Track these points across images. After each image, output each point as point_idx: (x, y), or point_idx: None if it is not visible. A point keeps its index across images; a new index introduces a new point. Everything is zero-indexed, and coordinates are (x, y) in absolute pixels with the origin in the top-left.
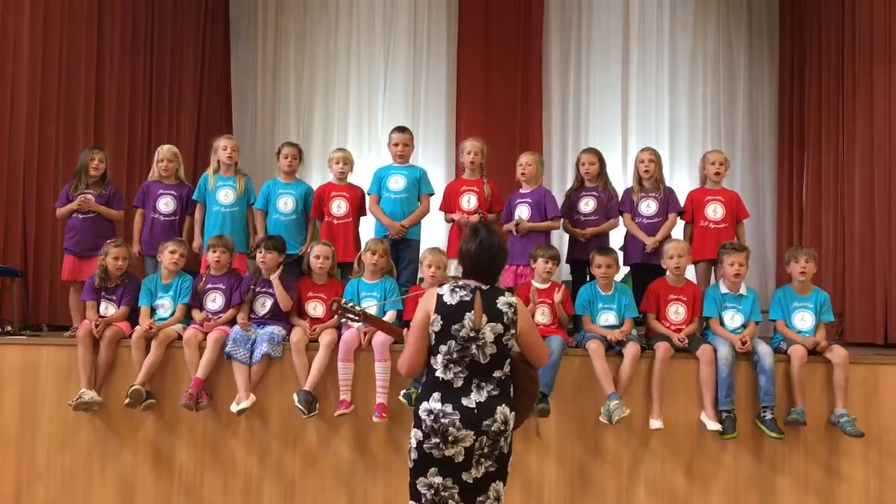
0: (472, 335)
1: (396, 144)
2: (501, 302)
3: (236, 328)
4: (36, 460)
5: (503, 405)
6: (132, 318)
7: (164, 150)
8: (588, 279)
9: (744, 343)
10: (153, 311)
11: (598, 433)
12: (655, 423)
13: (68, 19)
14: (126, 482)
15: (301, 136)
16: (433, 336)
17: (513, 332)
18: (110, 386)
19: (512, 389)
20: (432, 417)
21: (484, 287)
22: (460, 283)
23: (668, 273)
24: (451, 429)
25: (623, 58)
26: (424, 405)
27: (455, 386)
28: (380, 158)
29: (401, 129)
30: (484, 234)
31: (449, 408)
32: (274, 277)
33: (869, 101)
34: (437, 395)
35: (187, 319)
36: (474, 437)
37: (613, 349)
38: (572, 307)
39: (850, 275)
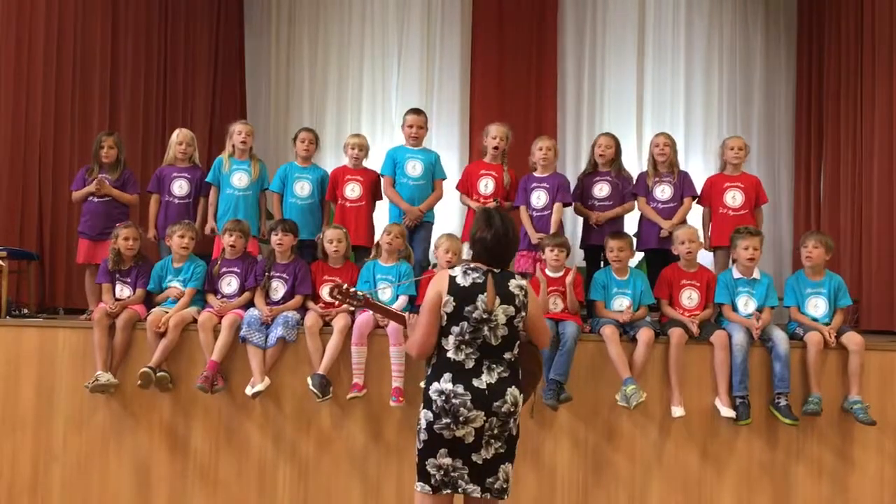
0: (484, 317)
1: (411, 126)
2: (513, 285)
3: (251, 311)
4: (53, 442)
5: (513, 387)
6: (148, 300)
7: (184, 132)
8: (602, 265)
9: (756, 329)
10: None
11: (611, 418)
12: (677, 411)
13: (83, 5)
14: (141, 464)
15: (314, 120)
16: (445, 317)
17: (523, 314)
18: (126, 368)
19: (520, 371)
20: (443, 398)
21: (495, 270)
22: (472, 265)
23: (680, 259)
24: (462, 409)
25: (639, 41)
26: (435, 385)
27: (466, 367)
28: (393, 143)
29: (416, 111)
30: (498, 223)
31: (460, 388)
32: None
33: (888, 86)
34: (448, 375)
35: (200, 302)
36: (485, 418)
37: (628, 333)
38: (582, 293)
39: (867, 261)
